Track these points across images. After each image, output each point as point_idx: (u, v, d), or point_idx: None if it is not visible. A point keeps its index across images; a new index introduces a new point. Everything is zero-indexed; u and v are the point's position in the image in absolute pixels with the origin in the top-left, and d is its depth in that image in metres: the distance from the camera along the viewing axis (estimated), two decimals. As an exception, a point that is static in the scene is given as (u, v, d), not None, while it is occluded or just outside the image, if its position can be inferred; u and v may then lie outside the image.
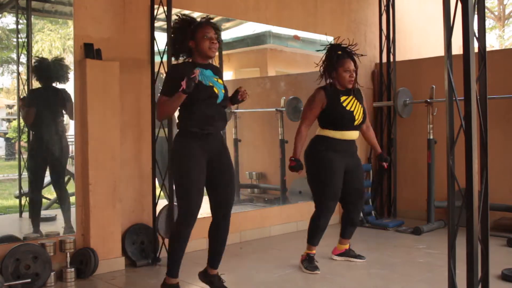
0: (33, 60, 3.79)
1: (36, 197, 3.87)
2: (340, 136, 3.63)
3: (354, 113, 3.64)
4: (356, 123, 3.66)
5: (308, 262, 3.67)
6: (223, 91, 3.04)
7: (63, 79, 3.86)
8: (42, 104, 3.84)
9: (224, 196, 3.06)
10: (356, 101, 3.69)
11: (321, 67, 3.76)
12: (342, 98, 3.64)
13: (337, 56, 3.68)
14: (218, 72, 3.13)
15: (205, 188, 2.99)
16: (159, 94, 2.99)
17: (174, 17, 3.29)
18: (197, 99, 2.89)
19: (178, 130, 3.03)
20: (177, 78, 2.83)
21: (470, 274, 2.11)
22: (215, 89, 2.98)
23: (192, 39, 2.98)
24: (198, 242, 4.15)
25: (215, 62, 5.38)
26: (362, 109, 3.71)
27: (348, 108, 3.62)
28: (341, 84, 3.68)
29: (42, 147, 3.84)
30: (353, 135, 3.69)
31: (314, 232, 3.70)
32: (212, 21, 3.08)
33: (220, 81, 3.07)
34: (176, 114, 3.07)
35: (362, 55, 3.82)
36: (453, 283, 2.22)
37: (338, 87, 3.69)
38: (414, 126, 5.80)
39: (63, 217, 3.85)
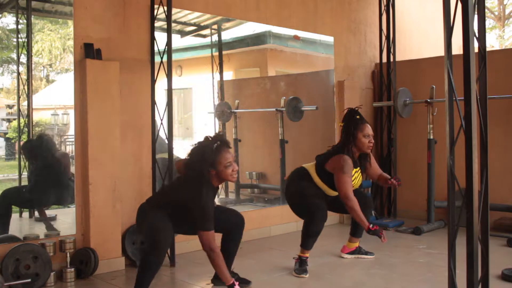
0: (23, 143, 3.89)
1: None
2: (330, 192, 3.76)
3: (354, 183, 3.74)
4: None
5: (299, 265, 3.66)
6: None
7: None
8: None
9: (226, 219, 3.22)
10: (359, 173, 3.81)
11: (341, 131, 3.81)
12: (354, 170, 3.71)
13: (355, 120, 3.71)
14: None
15: None
16: (207, 229, 2.89)
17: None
18: None
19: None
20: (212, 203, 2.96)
21: (470, 274, 2.11)
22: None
23: (213, 167, 2.94)
24: (197, 242, 4.13)
25: (216, 63, 5.44)
26: (361, 180, 3.85)
27: (352, 179, 3.71)
28: (359, 148, 3.72)
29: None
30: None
31: (307, 238, 3.69)
32: (228, 144, 3.05)
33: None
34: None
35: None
36: (453, 283, 2.22)
37: (354, 154, 3.72)
38: (414, 126, 5.80)
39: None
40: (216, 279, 3.30)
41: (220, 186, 5.54)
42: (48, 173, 3.95)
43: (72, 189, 3.73)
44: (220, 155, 2.93)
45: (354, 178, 3.75)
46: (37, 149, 3.90)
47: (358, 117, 3.74)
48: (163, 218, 2.96)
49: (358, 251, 4.07)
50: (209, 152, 2.92)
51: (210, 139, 3.00)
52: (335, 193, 3.75)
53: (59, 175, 3.95)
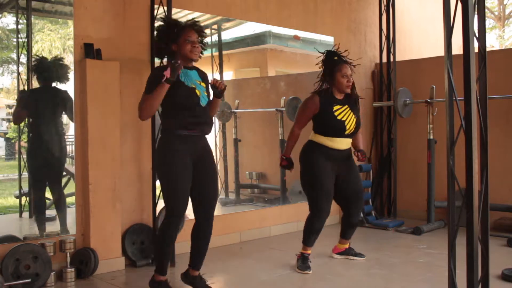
0: (33, 60, 3.79)
1: (39, 198, 3.88)
2: (330, 142, 3.67)
3: (346, 123, 3.66)
4: (347, 132, 3.68)
5: (301, 262, 3.69)
6: (205, 93, 3.09)
7: (63, 79, 3.85)
8: (40, 104, 3.83)
9: (206, 197, 3.10)
10: (349, 111, 3.70)
11: (319, 74, 3.80)
12: (335, 107, 3.66)
13: (334, 61, 3.72)
14: (203, 77, 3.16)
15: None
16: (143, 94, 2.99)
17: (158, 23, 3.34)
18: (179, 97, 2.93)
19: (162, 132, 3.08)
20: (161, 78, 2.87)
21: (470, 274, 2.11)
22: (196, 91, 3.01)
23: (175, 42, 3.02)
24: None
25: (216, 63, 5.42)
26: (355, 119, 3.72)
27: (339, 117, 3.64)
28: (338, 89, 3.70)
29: (41, 148, 3.84)
30: (344, 143, 3.71)
31: (309, 234, 3.71)
32: (197, 24, 3.11)
33: (203, 84, 3.10)
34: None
35: (356, 65, 3.85)
36: (453, 283, 2.22)
37: (335, 94, 3.71)
38: (414, 126, 5.80)
39: (59, 218, 3.85)
40: (185, 276, 3.23)
41: (220, 186, 5.57)
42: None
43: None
44: (183, 31, 3.03)
45: (344, 115, 3.65)
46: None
47: (336, 58, 3.73)
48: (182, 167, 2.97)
49: (347, 252, 4.05)
50: (172, 27, 3.05)
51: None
52: (344, 142, 3.68)
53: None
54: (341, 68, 3.67)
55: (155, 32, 3.19)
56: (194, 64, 3.15)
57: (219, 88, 3.07)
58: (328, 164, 3.66)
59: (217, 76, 5.44)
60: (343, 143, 3.69)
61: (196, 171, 3.03)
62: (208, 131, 3.13)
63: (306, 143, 3.79)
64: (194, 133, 3.00)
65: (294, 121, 3.79)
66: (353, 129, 3.71)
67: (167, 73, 2.81)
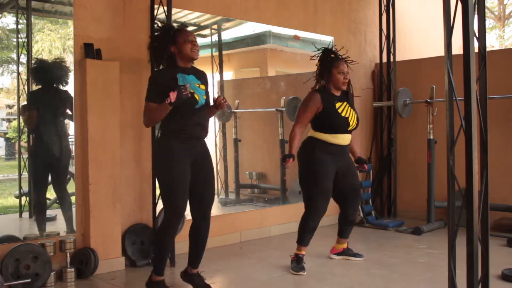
0: (33, 61, 3.79)
1: (40, 199, 3.88)
2: (332, 139, 3.66)
3: (349, 119, 3.69)
4: (350, 128, 3.70)
5: (296, 263, 3.66)
6: (204, 97, 3.09)
7: (64, 80, 3.86)
8: (43, 105, 3.83)
9: (203, 198, 3.12)
10: (349, 107, 3.73)
11: (316, 71, 3.80)
12: (337, 104, 3.67)
13: (331, 58, 3.73)
14: (201, 77, 3.17)
15: None
16: (145, 101, 3.02)
17: (156, 26, 3.36)
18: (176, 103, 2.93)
19: (160, 134, 3.10)
20: (162, 84, 2.93)
21: (470, 274, 2.11)
22: (196, 96, 3.02)
23: (173, 44, 3.04)
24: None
25: (216, 63, 5.42)
26: (356, 115, 3.76)
27: (343, 114, 3.66)
28: (335, 86, 3.72)
29: (43, 149, 3.84)
30: (345, 139, 3.72)
31: (303, 233, 3.70)
32: (186, 26, 3.20)
33: (202, 86, 3.11)
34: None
35: (353, 62, 3.86)
36: (453, 283, 2.22)
37: (332, 91, 3.72)
38: (414, 126, 5.80)
39: (64, 218, 3.85)
40: (185, 274, 3.26)
41: (220, 186, 5.57)
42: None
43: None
44: (180, 32, 3.06)
45: (346, 111, 3.67)
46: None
47: (333, 55, 3.76)
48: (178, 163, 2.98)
49: (345, 252, 4.04)
50: (168, 31, 3.09)
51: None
52: (345, 137, 3.69)
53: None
54: (337, 65, 3.69)
55: (151, 39, 3.22)
56: (192, 65, 3.17)
57: (220, 108, 3.10)
58: (329, 160, 3.65)
59: (217, 76, 5.44)
60: (345, 139, 3.70)
61: (194, 172, 3.05)
62: (206, 134, 3.17)
63: (306, 139, 3.77)
64: (192, 136, 3.03)
65: (295, 121, 3.76)
66: (355, 125, 3.74)
67: (173, 97, 2.82)
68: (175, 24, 3.26)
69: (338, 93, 3.75)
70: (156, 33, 3.17)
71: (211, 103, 3.19)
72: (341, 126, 3.66)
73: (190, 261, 3.22)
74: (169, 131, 3.01)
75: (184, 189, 2.99)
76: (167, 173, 2.98)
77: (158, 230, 3.13)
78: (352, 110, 3.74)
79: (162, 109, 2.89)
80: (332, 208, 3.95)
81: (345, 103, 3.72)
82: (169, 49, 3.05)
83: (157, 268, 3.11)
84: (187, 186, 3.01)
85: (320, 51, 3.83)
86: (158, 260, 3.10)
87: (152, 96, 2.98)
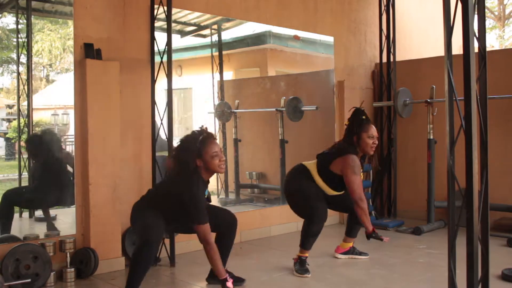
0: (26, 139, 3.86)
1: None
2: (326, 190, 3.75)
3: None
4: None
5: (300, 265, 3.66)
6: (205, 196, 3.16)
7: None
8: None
9: (219, 218, 3.24)
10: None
11: (346, 127, 3.81)
12: None
13: (361, 120, 3.70)
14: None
15: None
16: (202, 223, 2.96)
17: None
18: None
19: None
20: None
21: (470, 274, 2.11)
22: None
23: (199, 157, 2.99)
24: (197, 242, 4.13)
25: (216, 63, 5.43)
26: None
27: None
28: (362, 149, 3.71)
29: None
30: (338, 193, 3.81)
31: (307, 237, 3.68)
32: (215, 136, 3.13)
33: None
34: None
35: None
36: (453, 283, 2.22)
37: (358, 155, 3.73)
38: (414, 126, 5.80)
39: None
40: (211, 278, 3.33)
41: (220, 186, 5.57)
42: (51, 172, 3.95)
43: (73, 189, 3.72)
44: (206, 145, 3.00)
45: None
46: (42, 145, 3.89)
47: (364, 117, 3.74)
48: (155, 216, 3.00)
49: (352, 251, 4.06)
50: (194, 143, 2.99)
51: (196, 132, 3.07)
52: (335, 193, 3.76)
53: (61, 174, 3.95)
54: (368, 129, 3.67)
55: (177, 150, 3.08)
56: None
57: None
58: (319, 192, 3.74)
59: (217, 76, 5.45)
60: (338, 193, 3.81)
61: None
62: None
63: (300, 171, 3.80)
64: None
65: (357, 190, 3.58)
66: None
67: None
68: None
69: (359, 156, 3.75)
70: (182, 144, 3.06)
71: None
72: (339, 188, 3.75)
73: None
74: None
75: (159, 237, 3.03)
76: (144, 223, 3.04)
77: (129, 269, 3.00)
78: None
79: (218, 266, 3.03)
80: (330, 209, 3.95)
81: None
82: (195, 163, 2.99)
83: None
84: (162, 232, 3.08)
85: (351, 110, 3.84)
86: (131, 281, 2.97)
87: (206, 217, 2.97)
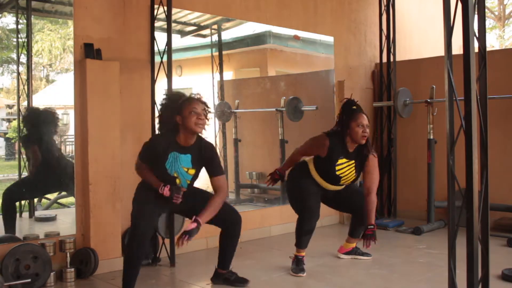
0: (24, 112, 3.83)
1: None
2: (321, 181, 3.70)
3: (342, 178, 3.67)
4: (341, 182, 3.71)
5: (296, 265, 3.65)
6: (188, 182, 3.08)
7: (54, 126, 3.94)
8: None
9: (223, 214, 3.19)
10: (353, 167, 3.68)
11: (337, 117, 3.79)
12: (340, 161, 3.62)
13: (351, 110, 3.66)
14: (199, 159, 3.07)
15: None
16: (138, 157, 3.11)
17: (165, 95, 3.31)
18: (158, 175, 3.02)
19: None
20: (154, 152, 2.97)
21: (470, 274, 2.11)
22: (177, 179, 3.03)
23: (179, 113, 2.96)
24: (198, 242, 4.15)
25: (216, 63, 5.42)
26: (354, 177, 3.71)
27: (338, 172, 3.63)
28: (353, 139, 3.62)
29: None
30: (334, 187, 3.75)
31: (300, 236, 3.68)
32: (202, 98, 3.06)
33: (191, 171, 3.06)
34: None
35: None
36: (453, 283, 2.22)
37: (348, 144, 3.65)
38: (414, 126, 5.80)
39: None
40: (216, 277, 3.36)
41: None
42: (49, 154, 3.91)
43: (73, 170, 3.70)
44: (188, 102, 2.98)
45: (343, 168, 3.63)
46: (39, 120, 3.87)
47: (354, 107, 3.68)
48: (149, 202, 3.03)
49: (355, 251, 4.06)
50: (177, 100, 3.02)
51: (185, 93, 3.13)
52: (333, 187, 3.73)
53: (59, 156, 3.96)
54: (357, 117, 3.59)
55: (158, 105, 3.15)
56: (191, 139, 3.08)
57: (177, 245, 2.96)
58: (315, 189, 3.71)
59: (217, 76, 5.44)
60: (335, 187, 3.75)
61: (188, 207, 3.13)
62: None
63: (300, 165, 3.80)
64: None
65: (300, 148, 3.81)
66: (349, 183, 3.76)
67: (165, 193, 2.91)
68: (188, 93, 3.12)
69: (352, 148, 3.66)
70: (164, 101, 3.10)
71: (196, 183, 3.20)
72: (331, 180, 3.68)
73: (220, 264, 3.36)
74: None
75: (152, 210, 3.06)
76: (138, 199, 3.11)
77: (123, 267, 3.08)
78: (353, 171, 3.68)
79: (151, 182, 3.00)
80: (332, 208, 3.95)
81: (352, 161, 3.65)
82: (174, 119, 2.97)
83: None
84: (152, 214, 3.08)
85: (343, 99, 3.81)
86: (126, 281, 3.05)
87: (144, 157, 3.05)
